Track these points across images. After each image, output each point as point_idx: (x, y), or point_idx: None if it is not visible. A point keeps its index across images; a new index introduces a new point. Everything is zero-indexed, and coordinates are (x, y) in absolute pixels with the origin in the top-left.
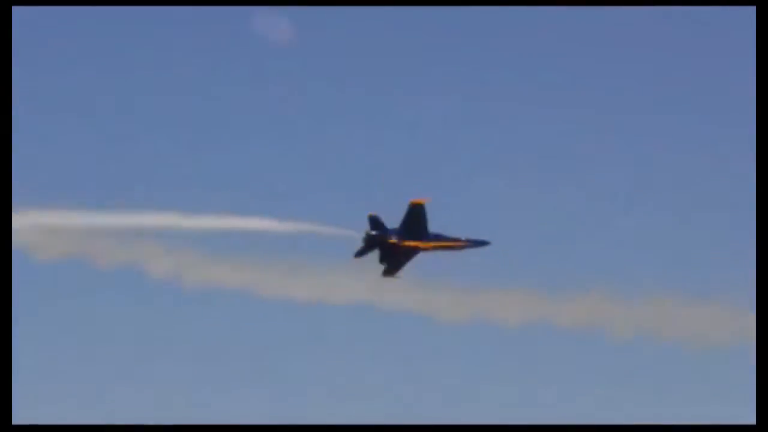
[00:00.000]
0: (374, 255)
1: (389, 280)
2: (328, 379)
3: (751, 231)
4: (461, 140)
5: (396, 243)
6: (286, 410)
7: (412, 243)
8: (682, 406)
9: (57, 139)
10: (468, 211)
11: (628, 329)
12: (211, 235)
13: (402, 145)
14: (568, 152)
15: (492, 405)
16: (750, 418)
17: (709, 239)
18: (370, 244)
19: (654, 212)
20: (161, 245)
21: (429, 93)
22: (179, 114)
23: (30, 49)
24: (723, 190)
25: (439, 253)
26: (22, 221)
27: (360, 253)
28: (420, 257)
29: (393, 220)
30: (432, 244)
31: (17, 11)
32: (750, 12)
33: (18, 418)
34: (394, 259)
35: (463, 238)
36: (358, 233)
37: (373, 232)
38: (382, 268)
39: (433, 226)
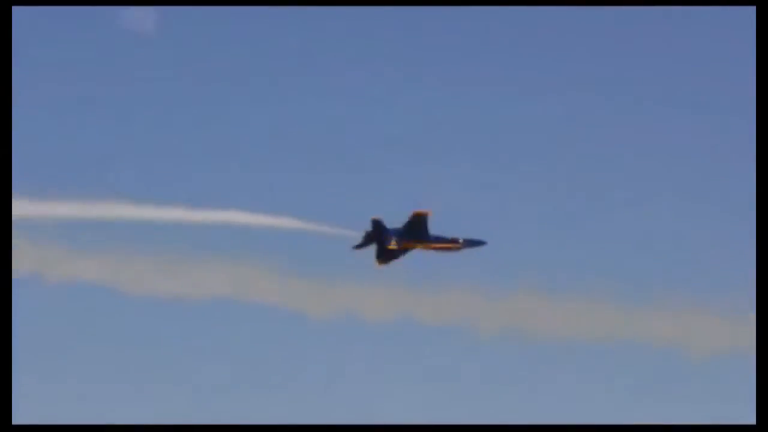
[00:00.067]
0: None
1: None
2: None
3: (751, 231)
4: (461, 140)
5: (395, 249)
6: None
7: (410, 244)
8: (682, 406)
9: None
10: (468, 211)
11: (628, 329)
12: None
13: (402, 146)
14: (568, 152)
15: (479, 406)
16: (750, 418)
17: (709, 239)
18: (369, 242)
19: (654, 212)
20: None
21: (429, 93)
22: (179, 114)
23: (30, 49)
24: (723, 190)
25: (440, 254)
26: None
27: (360, 246)
28: (419, 257)
29: (393, 220)
30: (432, 245)
31: (17, 11)
32: (750, 12)
33: (18, 418)
34: (391, 254)
35: (461, 239)
36: (357, 233)
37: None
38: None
39: (433, 227)
